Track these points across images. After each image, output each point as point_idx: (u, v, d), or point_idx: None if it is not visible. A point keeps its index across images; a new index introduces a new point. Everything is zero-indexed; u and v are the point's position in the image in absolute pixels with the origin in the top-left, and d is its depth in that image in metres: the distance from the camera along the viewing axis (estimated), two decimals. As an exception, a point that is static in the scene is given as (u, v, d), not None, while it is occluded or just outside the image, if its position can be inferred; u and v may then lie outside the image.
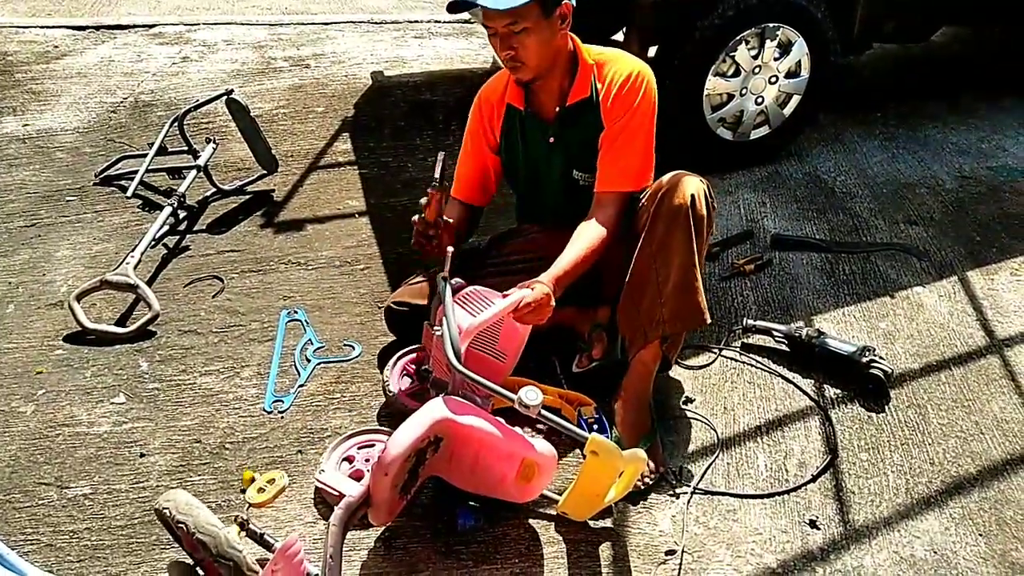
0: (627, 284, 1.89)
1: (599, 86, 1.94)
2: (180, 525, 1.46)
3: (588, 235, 1.90)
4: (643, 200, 1.93)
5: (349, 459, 1.82)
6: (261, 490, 1.69)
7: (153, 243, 2.56)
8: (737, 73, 2.91)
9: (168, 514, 1.48)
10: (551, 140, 2.03)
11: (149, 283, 2.46)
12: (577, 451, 1.88)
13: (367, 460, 1.80)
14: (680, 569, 1.62)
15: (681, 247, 1.81)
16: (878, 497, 1.79)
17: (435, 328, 1.74)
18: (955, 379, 2.12)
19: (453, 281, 1.77)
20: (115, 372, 2.15)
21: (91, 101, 3.70)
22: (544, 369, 2.10)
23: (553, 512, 1.74)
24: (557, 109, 1.99)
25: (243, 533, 1.53)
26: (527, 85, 1.99)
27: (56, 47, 4.31)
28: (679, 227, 1.81)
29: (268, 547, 1.54)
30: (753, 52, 2.88)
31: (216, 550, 1.42)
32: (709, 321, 1.86)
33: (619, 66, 1.94)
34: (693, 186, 1.83)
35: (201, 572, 1.53)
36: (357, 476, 1.77)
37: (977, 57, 4.19)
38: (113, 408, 2.04)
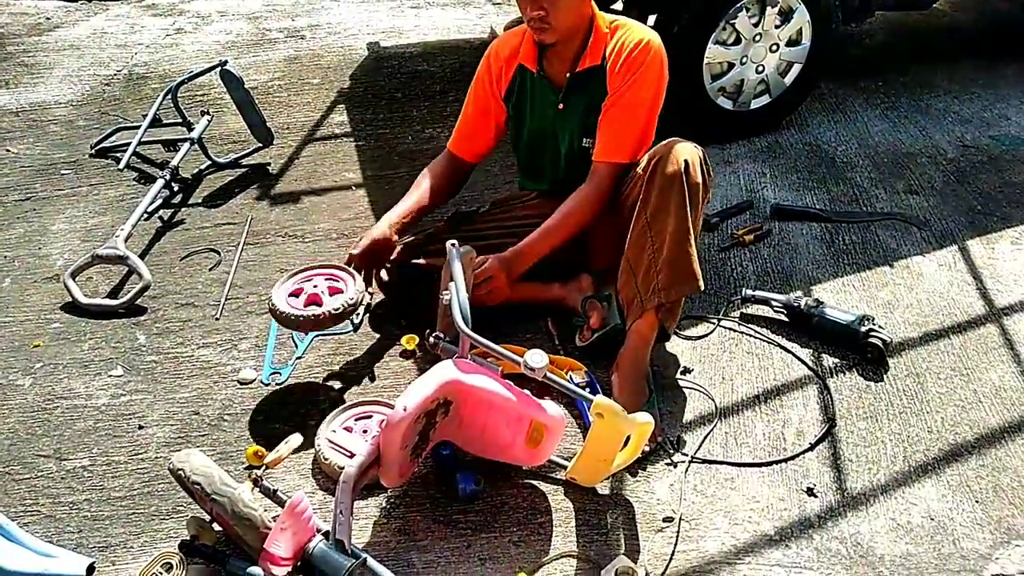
0: (625, 253, 1.88)
1: (608, 53, 1.93)
2: (196, 486, 1.47)
3: (571, 205, 1.96)
4: (637, 169, 1.91)
5: (347, 430, 1.83)
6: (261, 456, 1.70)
7: (146, 216, 2.54)
8: (737, 41, 2.87)
9: (183, 475, 1.50)
10: (560, 107, 2.02)
11: (143, 256, 2.45)
12: (584, 428, 1.88)
13: (364, 431, 1.81)
14: (678, 536, 1.63)
15: (675, 214, 1.79)
16: (875, 465, 1.80)
17: (443, 293, 1.74)
18: (954, 348, 2.11)
19: (462, 248, 1.77)
20: (112, 345, 2.15)
21: (84, 74, 3.66)
22: (540, 341, 2.10)
23: (556, 479, 1.75)
24: (568, 75, 1.97)
25: (256, 490, 1.55)
26: (545, 48, 1.97)
27: (48, 19, 4.26)
28: (673, 194, 1.79)
29: (281, 503, 1.56)
30: (754, 20, 2.84)
31: (232, 509, 1.44)
32: (703, 287, 1.85)
33: (630, 34, 1.93)
34: (687, 152, 1.81)
35: (218, 527, 1.55)
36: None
37: (980, 25, 4.14)
38: (111, 381, 2.03)
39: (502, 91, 2.10)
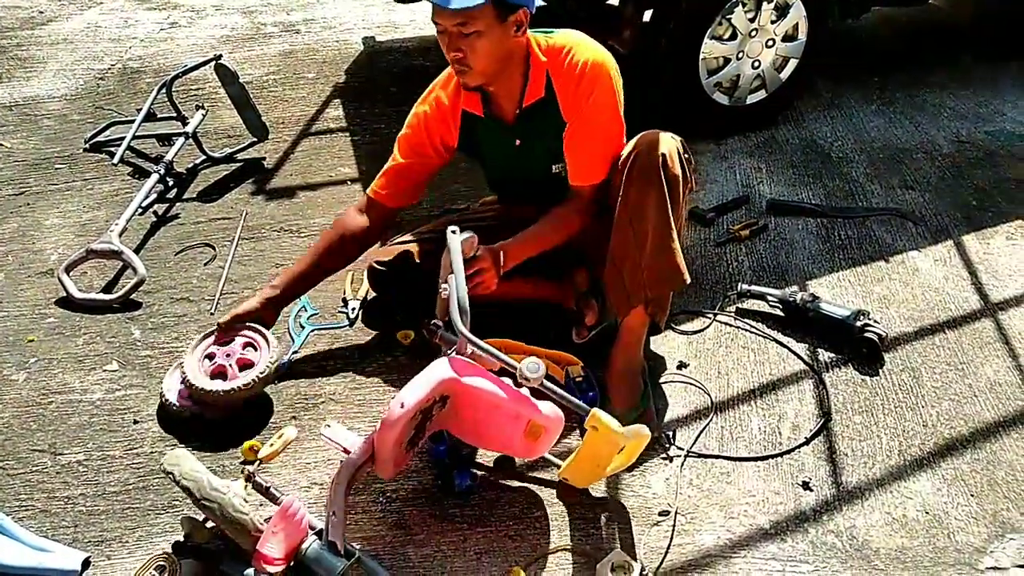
0: (609, 251, 1.85)
1: (554, 82, 1.84)
2: (186, 491, 1.46)
3: (556, 220, 1.91)
4: (617, 164, 1.88)
5: (210, 356, 1.90)
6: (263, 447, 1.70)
7: (141, 210, 2.53)
8: (734, 36, 2.87)
9: (174, 478, 1.49)
10: (518, 143, 1.94)
11: (137, 251, 2.44)
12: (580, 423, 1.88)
13: (228, 356, 1.89)
14: (673, 530, 1.63)
15: (654, 209, 1.76)
16: (871, 459, 1.80)
17: (442, 285, 1.72)
18: (949, 343, 2.12)
19: (464, 234, 1.73)
20: (107, 340, 2.14)
21: (78, 68, 3.64)
22: (537, 337, 2.09)
23: (551, 480, 1.74)
24: (516, 112, 1.89)
25: (249, 486, 1.54)
26: (469, 90, 1.86)
27: (41, 13, 4.23)
28: (652, 188, 1.75)
29: (275, 500, 1.55)
30: (750, 15, 2.84)
31: (222, 514, 1.43)
32: (688, 281, 1.83)
33: (572, 57, 1.82)
34: (665, 145, 1.77)
35: (211, 524, 1.54)
36: (219, 371, 1.88)
37: (976, 21, 4.14)
38: (106, 375, 2.03)
39: (452, 141, 1.98)
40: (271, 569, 1.41)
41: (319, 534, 1.48)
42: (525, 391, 1.60)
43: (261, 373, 1.85)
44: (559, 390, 1.59)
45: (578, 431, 1.83)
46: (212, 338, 1.93)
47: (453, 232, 1.71)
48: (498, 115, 1.92)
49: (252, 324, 1.94)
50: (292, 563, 1.45)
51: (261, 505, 1.59)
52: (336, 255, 2.00)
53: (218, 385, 1.83)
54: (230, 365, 1.87)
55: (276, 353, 1.90)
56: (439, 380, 1.53)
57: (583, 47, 1.83)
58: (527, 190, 2.04)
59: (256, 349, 1.91)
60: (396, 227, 2.23)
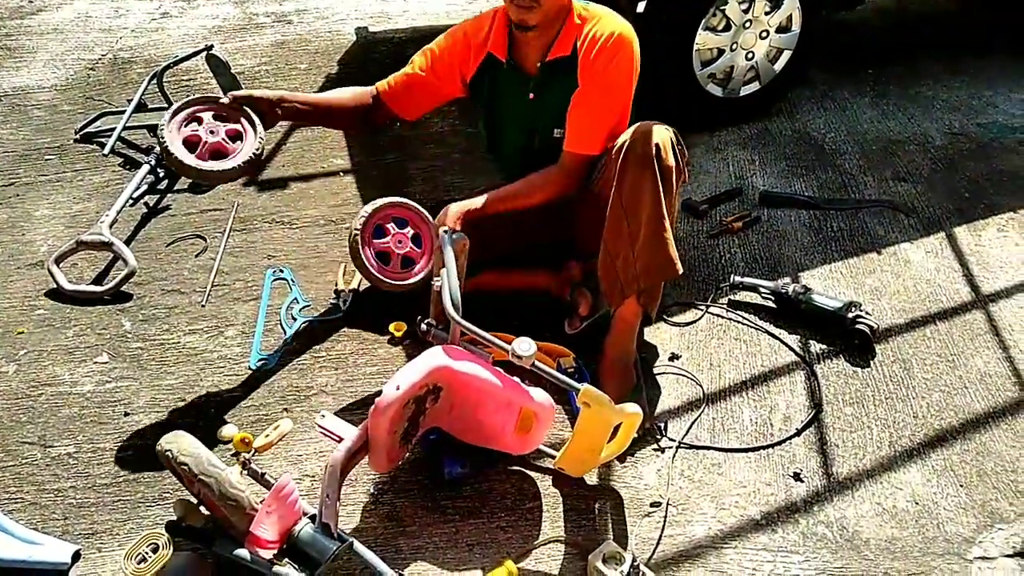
0: (603, 241, 1.86)
1: (579, 44, 1.89)
2: (183, 467, 1.47)
3: (538, 181, 1.95)
4: (610, 153, 1.89)
5: (198, 120, 1.77)
6: (253, 439, 1.69)
7: (132, 201, 2.52)
8: (727, 28, 2.86)
9: (171, 456, 1.49)
10: (531, 96, 1.98)
11: (128, 242, 2.42)
12: (573, 415, 1.88)
13: (211, 132, 1.76)
14: (665, 521, 1.64)
15: (648, 199, 1.77)
16: (862, 450, 1.81)
17: (435, 280, 1.73)
18: (940, 334, 2.12)
19: (455, 235, 1.76)
20: (98, 332, 2.13)
21: (68, 58, 3.62)
22: (531, 329, 2.09)
23: (543, 466, 1.75)
24: (539, 64, 1.94)
25: (244, 472, 1.55)
26: (524, 30, 1.89)
27: (31, 2, 4.20)
28: (646, 179, 1.76)
29: (268, 486, 1.56)
30: (744, 6, 2.83)
31: (219, 490, 1.44)
32: (681, 271, 1.83)
33: (601, 25, 1.88)
34: (658, 136, 1.78)
35: (204, 510, 1.54)
36: (195, 140, 1.73)
37: (970, 14, 4.14)
38: (96, 367, 2.02)
39: (468, 75, 2.05)
40: (263, 552, 1.41)
41: (312, 519, 1.49)
42: (517, 379, 1.61)
43: (245, 159, 1.75)
44: (550, 369, 1.60)
45: (570, 425, 1.83)
46: (206, 105, 1.79)
47: (446, 232, 1.74)
48: (520, 64, 1.98)
49: (251, 112, 1.82)
50: (285, 545, 1.45)
51: (255, 495, 1.58)
52: (336, 110, 2.01)
53: (188, 158, 1.70)
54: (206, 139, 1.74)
55: (258, 147, 1.79)
56: (433, 366, 1.54)
57: (615, 20, 1.91)
58: (525, 156, 2.05)
59: (241, 140, 1.79)
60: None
